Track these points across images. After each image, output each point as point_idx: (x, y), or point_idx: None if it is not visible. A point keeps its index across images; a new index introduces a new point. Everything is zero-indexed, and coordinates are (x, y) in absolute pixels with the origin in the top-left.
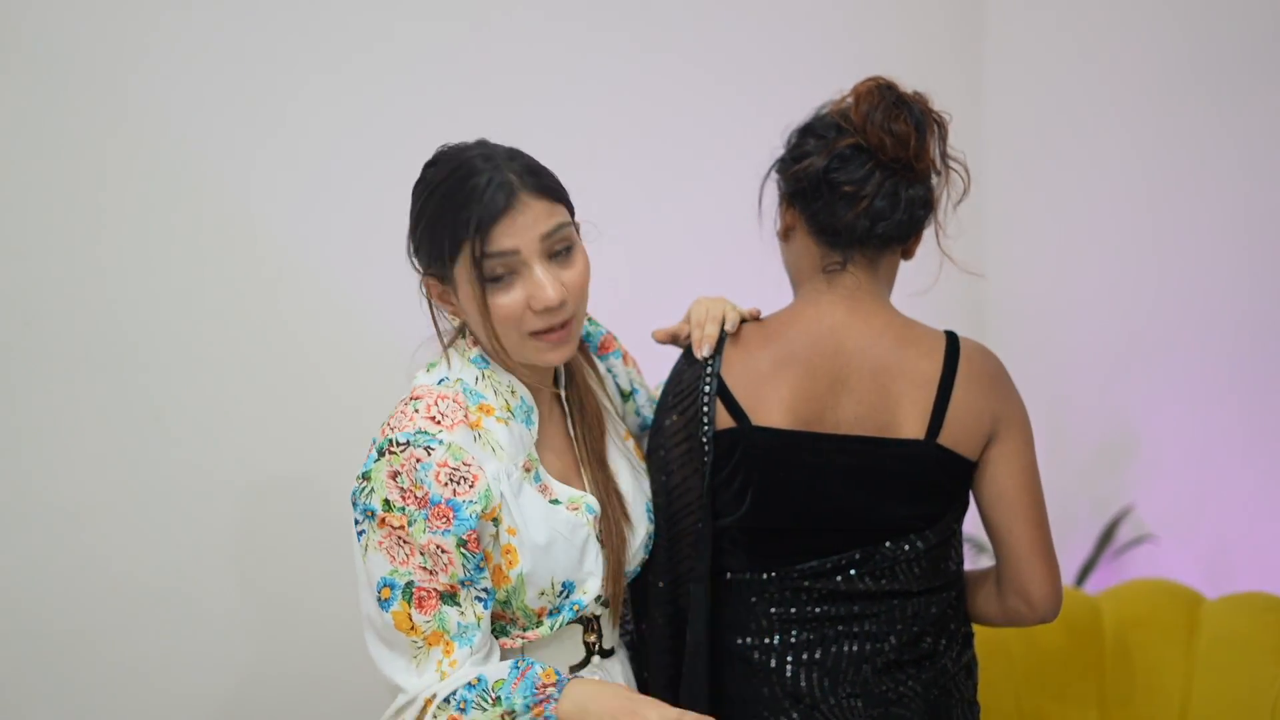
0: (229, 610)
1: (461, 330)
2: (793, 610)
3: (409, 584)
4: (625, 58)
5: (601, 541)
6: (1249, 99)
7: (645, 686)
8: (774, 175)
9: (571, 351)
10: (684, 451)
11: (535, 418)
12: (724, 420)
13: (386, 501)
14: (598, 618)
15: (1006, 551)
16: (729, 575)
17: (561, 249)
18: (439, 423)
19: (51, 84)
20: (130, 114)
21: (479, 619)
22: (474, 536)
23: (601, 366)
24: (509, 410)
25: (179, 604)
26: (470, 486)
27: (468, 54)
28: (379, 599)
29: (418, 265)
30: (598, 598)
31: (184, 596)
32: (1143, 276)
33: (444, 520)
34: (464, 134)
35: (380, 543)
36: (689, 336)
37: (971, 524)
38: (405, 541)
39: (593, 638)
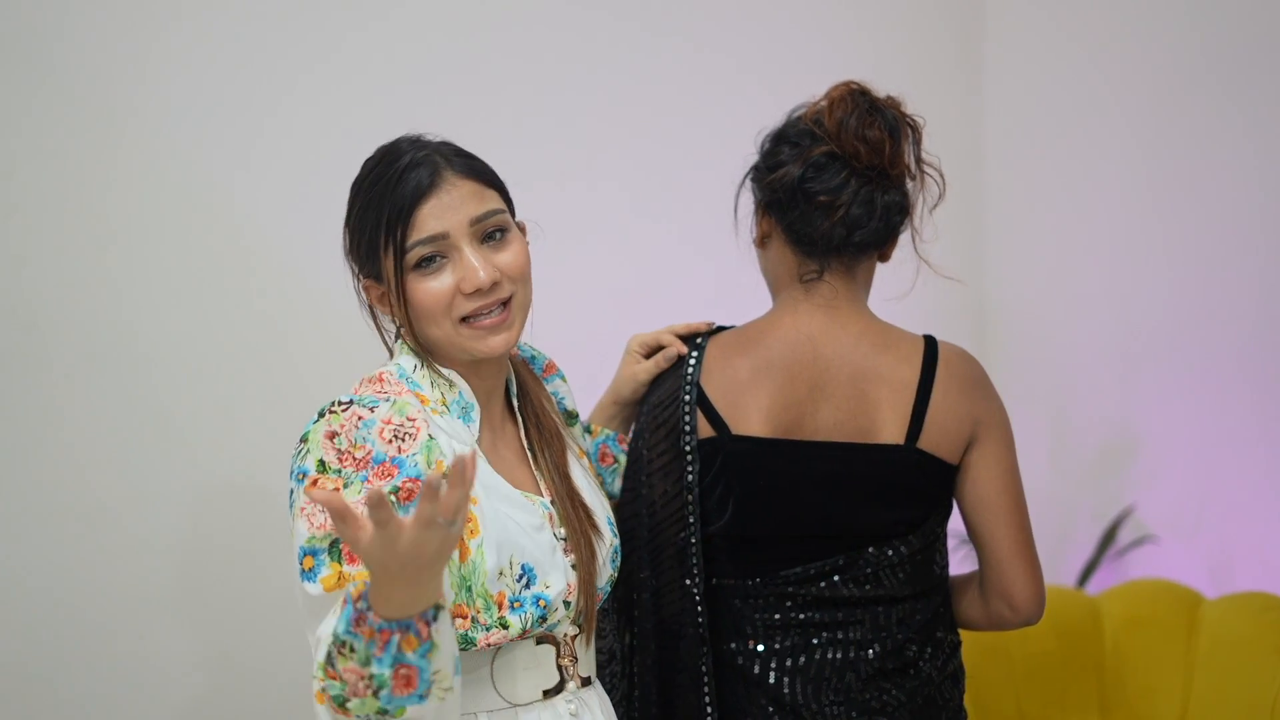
0: (232, 610)
1: (398, 333)
2: (777, 616)
3: (334, 542)
4: (620, 57)
5: (566, 551)
6: (1250, 99)
7: (634, 702)
8: (749, 183)
9: (511, 339)
10: (666, 461)
11: (475, 415)
12: (704, 429)
13: (321, 462)
14: (572, 641)
15: (989, 555)
16: (714, 581)
17: (495, 232)
18: (384, 391)
19: (51, 86)
20: (131, 115)
21: None
22: (410, 486)
23: (547, 389)
24: (444, 405)
25: (182, 605)
26: (414, 440)
27: (464, 65)
28: (302, 571)
29: (354, 266)
30: (566, 603)
31: (187, 597)
32: (1143, 277)
33: (387, 478)
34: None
35: (303, 508)
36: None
37: (958, 521)
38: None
39: (567, 661)
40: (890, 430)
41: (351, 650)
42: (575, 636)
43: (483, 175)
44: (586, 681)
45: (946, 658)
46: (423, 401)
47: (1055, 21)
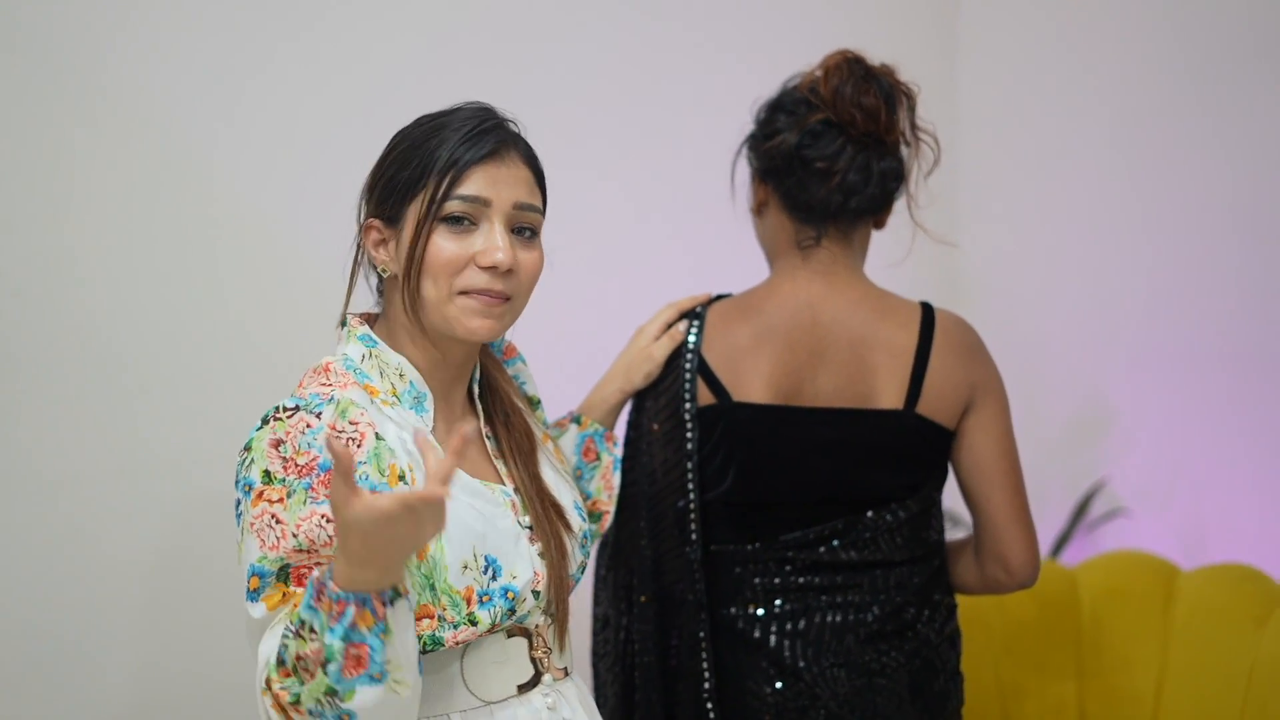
0: (206, 626)
1: (379, 286)
2: (776, 580)
3: (284, 566)
4: (606, 32)
5: (532, 539)
6: (1231, 72)
7: (631, 668)
8: (745, 151)
9: (495, 331)
10: (668, 430)
11: (429, 405)
12: (705, 397)
13: (266, 473)
14: (544, 631)
15: (985, 519)
16: (713, 547)
17: (527, 229)
18: (330, 385)
19: (28, 69)
20: (114, 99)
21: None
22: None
23: (509, 371)
24: (395, 395)
25: (155, 621)
26: (358, 446)
27: (466, 42)
28: (248, 590)
29: (364, 209)
30: (535, 593)
31: (159, 612)
32: (1118, 250)
33: (302, 474)
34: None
35: (252, 523)
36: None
37: (950, 498)
38: (279, 521)
39: (541, 653)
40: (889, 396)
41: (311, 631)
42: (548, 626)
43: (539, 174)
44: (565, 673)
45: (944, 620)
46: (371, 393)
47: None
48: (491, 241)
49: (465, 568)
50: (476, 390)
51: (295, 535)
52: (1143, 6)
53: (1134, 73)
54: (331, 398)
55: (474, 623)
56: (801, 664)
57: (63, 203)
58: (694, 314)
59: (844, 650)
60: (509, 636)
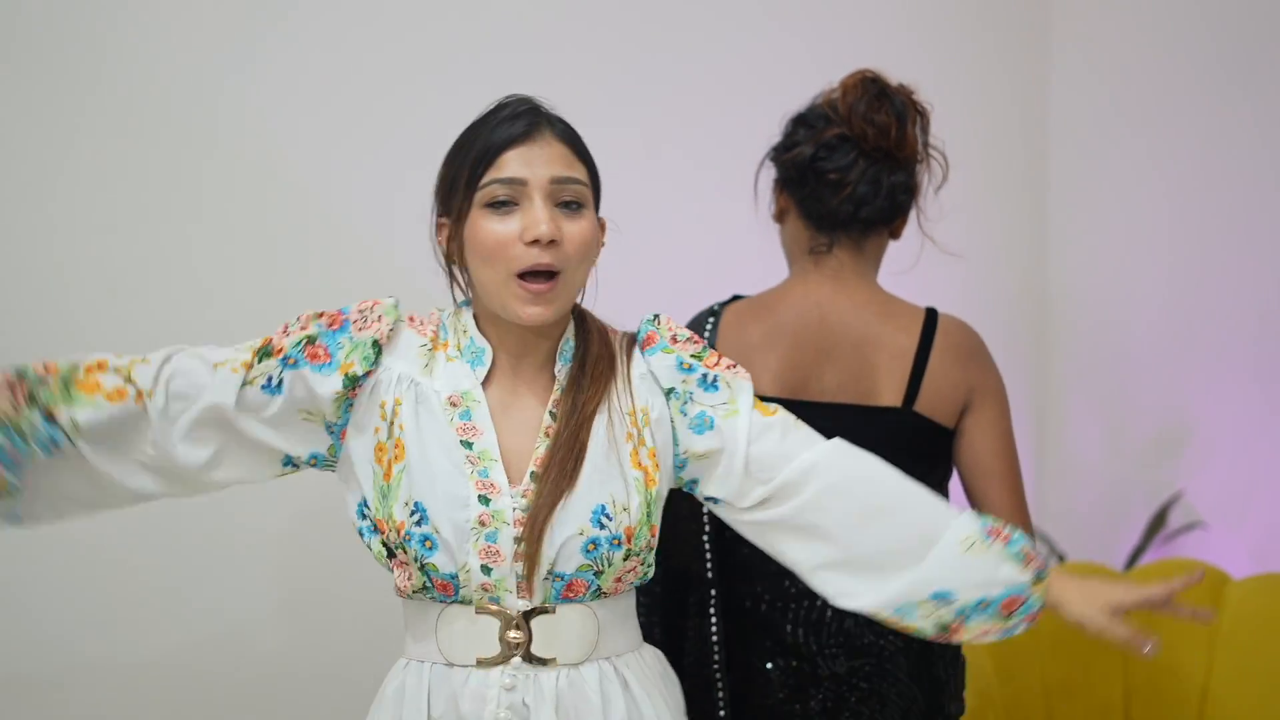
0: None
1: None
2: (780, 564)
3: (268, 340)
4: (662, 47)
5: (491, 549)
6: None
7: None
8: (769, 162)
9: (546, 315)
10: None
11: (486, 359)
12: None
13: (321, 313)
14: (523, 617)
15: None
16: (726, 534)
17: (571, 201)
18: (415, 322)
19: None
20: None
21: (217, 383)
22: (315, 351)
23: (643, 366)
24: (459, 349)
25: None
26: (361, 330)
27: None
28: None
29: (436, 206)
30: (485, 569)
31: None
32: (1201, 269)
33: (331, 323)
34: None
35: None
36: None
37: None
38: (292, 328)
39: (516, 635)
40: (889, 394)
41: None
42: (530, 613)
43: (577, 147)
44: (547, 663)
45: None
46: (443, 346)
47: (1123, 11)
48: (532, 216)
49: (406, 504)
50: (561, 365)
51: (288, 333)
52: (1234, 27)
53: (1222, 92)
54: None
55: (406, 554)
56: (801, 641)
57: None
58: (711, 311)
59: (843, 632)
60: (477, 613)
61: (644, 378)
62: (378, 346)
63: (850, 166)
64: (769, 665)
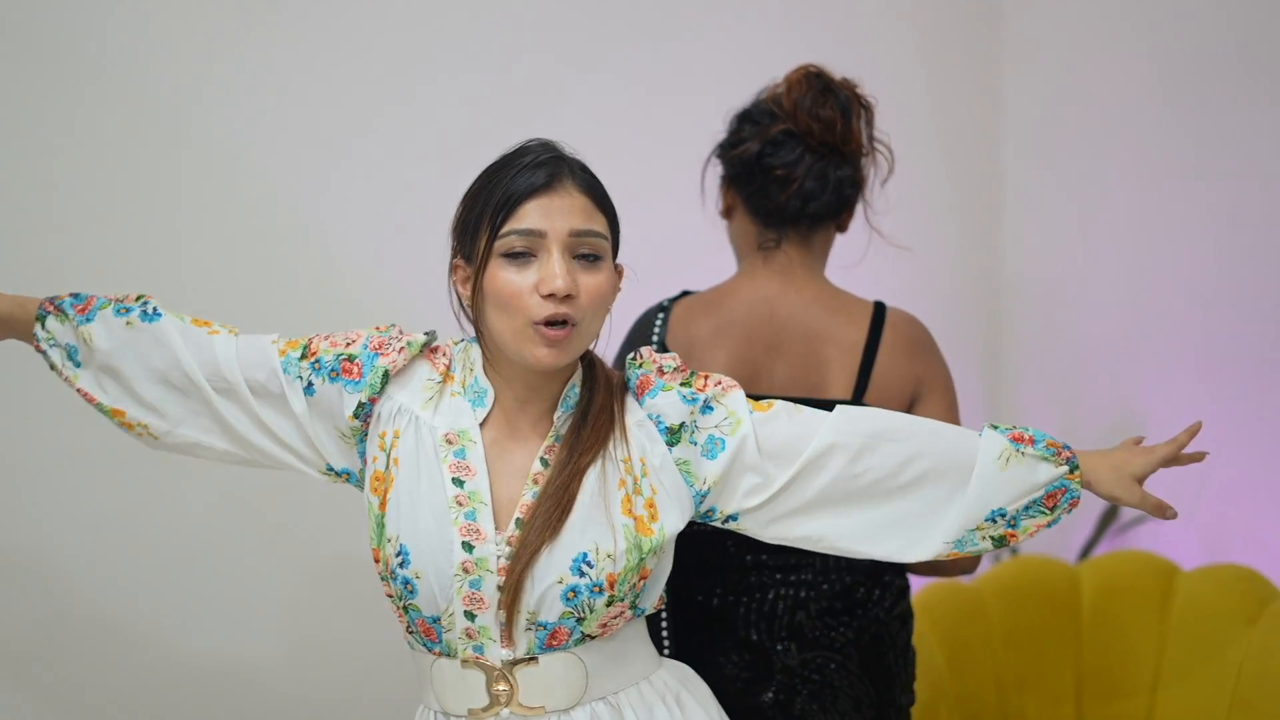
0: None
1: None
2: (734, 561)
3: (310, 340)
4: (632, 47)
5: (500, 571)
6: (1263, 88)
7: None
8: (715, 158)
9: (559, 359)
10: None
11: (488, 400)
12: None
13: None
14: (509, 667)
15: None
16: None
17: (589, 254)
18: (431, 355)
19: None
20: (152, 100)
21: (259, 363)
22: (347, 365)
23: (640, 413)
24: (463, 386)
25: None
26: (382, 356)
27: (491, 42)
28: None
29: (452, 244)
30: (468, 614)
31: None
32: (1153, 264)
33: (347, 344)
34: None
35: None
36: None
37: None
38: (338, 340)
39: (502, 688)
40: (838, 387)
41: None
42: (515, 663)
43: (598, 198)
44: (535, 710)
45: (894, 600)
46: (448, 380)
47: (1074, 5)
48: (549, 270)
49: (389, 540)
50: (562, 412)
51: (329, 339)
52: (1191, 24)
53: (1178, 90)
54: (430, 339)
55: (392, 586)
56: (755, 638)
57: (120, 187)
58: (660, 307)
59: (795, 626)
60: (463, 666)
61: (641, 425)
62: (386, 376)
63: (797, 162)
64: (722, 659)
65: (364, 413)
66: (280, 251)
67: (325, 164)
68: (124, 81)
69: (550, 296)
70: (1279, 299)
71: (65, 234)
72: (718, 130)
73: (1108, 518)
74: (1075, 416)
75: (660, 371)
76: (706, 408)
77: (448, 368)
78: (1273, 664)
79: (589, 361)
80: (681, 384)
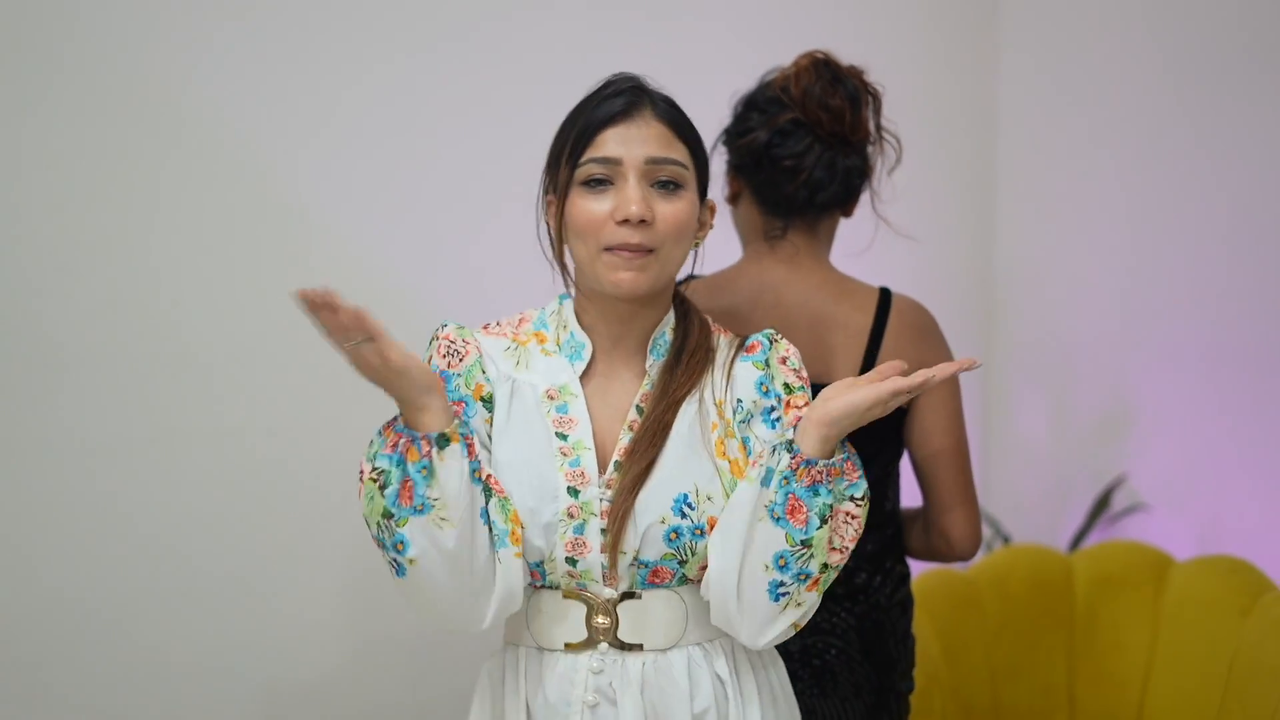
0: (244, 606)
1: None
2: None
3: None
4: (634, 33)
5: (602, 515)
6: (1261, 78)
7: None
8: (720, 144)
9: (639, 284)
10: None
11: (585, 354)
12: None
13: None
14: (610, 604)
15: (931, 495)
16: None
17: (669, 181)
18: (501, 326)
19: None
20: (172, 102)
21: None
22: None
23: (746, 366)
24: (557, 344)
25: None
26: (460, 360)
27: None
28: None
29: (545, 183)
30: (570, 559)
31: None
32: (1146, 251)
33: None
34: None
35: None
36: None
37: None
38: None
39: (602, 620)
40: (844, 372)
41: (374, 451)
42: (617, 601)
43: (679, 127)
44: (634, 648)
45: (895, 586)
46: (541, 340)
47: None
48: (623, 196)
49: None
50: (654, 359)
51: None
52: (1188, 12)
53: (1169, 78)
54: (458, 323)
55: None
56: None
57: (136, 193)
58: None
59: None
60: (564, 597)
61: (746, 375)
62: (480, 364)
63: (805, 152)
64: None
65: (491, 401)
66: (281, 244)
67: (326, 155)
68: (125, 75)
69: (625, 223)
70: (1273, 291)
71: (65, 232)
72: (723, 115)
73: (1099, 507)
74: (1068, 408)
75: (783, 361)
76: (773, 423)
77: (518, 333)
78: (1265, 656)
79: (682, 304)
80: (783, 384)
